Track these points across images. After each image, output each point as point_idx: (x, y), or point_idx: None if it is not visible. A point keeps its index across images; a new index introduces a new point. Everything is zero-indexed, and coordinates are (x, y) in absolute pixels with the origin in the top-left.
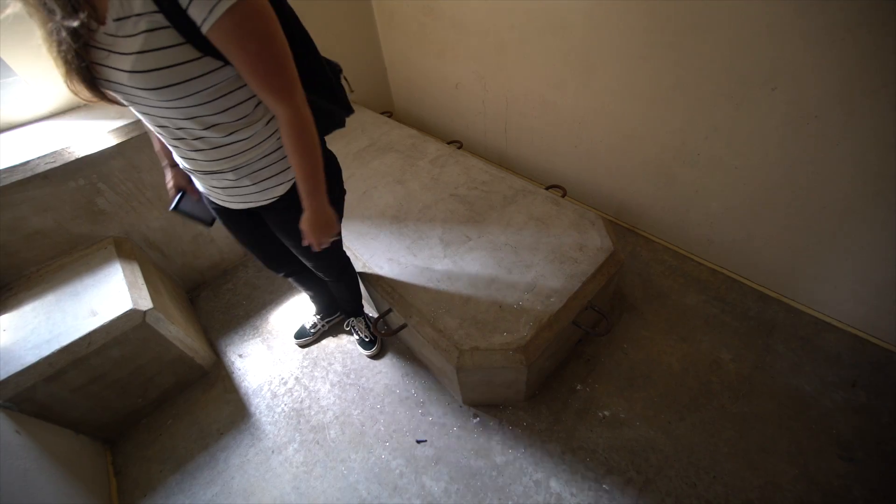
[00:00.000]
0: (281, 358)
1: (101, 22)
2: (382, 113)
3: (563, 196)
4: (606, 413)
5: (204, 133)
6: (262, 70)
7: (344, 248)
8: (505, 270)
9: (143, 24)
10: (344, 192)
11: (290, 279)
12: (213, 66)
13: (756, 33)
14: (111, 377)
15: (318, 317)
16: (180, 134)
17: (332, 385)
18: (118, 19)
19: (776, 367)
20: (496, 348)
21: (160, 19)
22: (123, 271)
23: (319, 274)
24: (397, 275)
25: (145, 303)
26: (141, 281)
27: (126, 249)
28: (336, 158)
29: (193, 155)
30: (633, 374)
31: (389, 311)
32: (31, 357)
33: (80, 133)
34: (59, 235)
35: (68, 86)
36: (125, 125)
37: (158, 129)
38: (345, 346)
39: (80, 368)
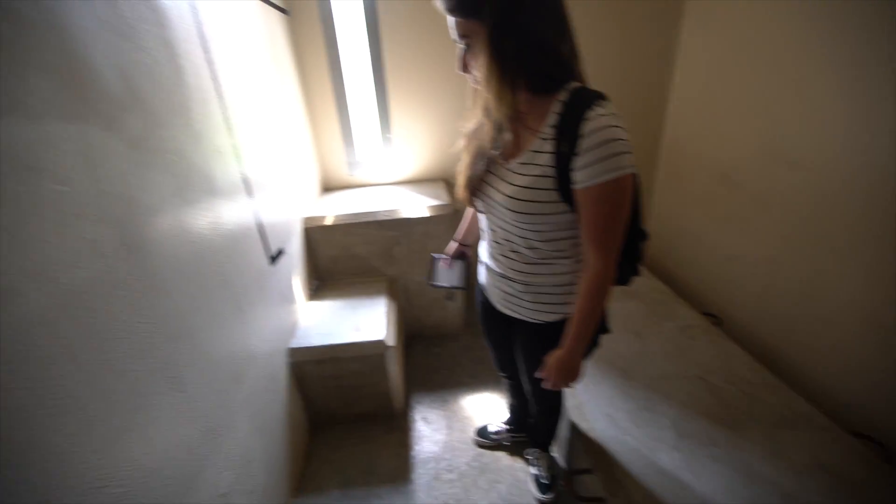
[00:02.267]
0: (456, 444)
1: (507, 161)
2: None
3: (885, 456)
4: None
5: (523, 249)
6: (601, 227)
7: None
8: None
9: (536, 171)
10: (598, 346)
11: (506, 381)
12: (561, 210)
13: None
14: (343, 382)
15: (506, 426)
16: (504, 242)
17: None
18: (523, 163)
19: None
20: None
21: (550, 171)
22: (387, 305)
23: (532, 399)
24: (610, 437)
25: (391, 339)
26: (393, 318)
27: (393, 289)
28: (608, 315)
29: (502, 259)
30: None
31: (588, 471)
32: (316, 341)
33: (409, 200)
34: (365, 264)
35: (458, 189)
36: (438, 205)
37: (491, 231)
38: (517, 472)
39: (333, 363)
